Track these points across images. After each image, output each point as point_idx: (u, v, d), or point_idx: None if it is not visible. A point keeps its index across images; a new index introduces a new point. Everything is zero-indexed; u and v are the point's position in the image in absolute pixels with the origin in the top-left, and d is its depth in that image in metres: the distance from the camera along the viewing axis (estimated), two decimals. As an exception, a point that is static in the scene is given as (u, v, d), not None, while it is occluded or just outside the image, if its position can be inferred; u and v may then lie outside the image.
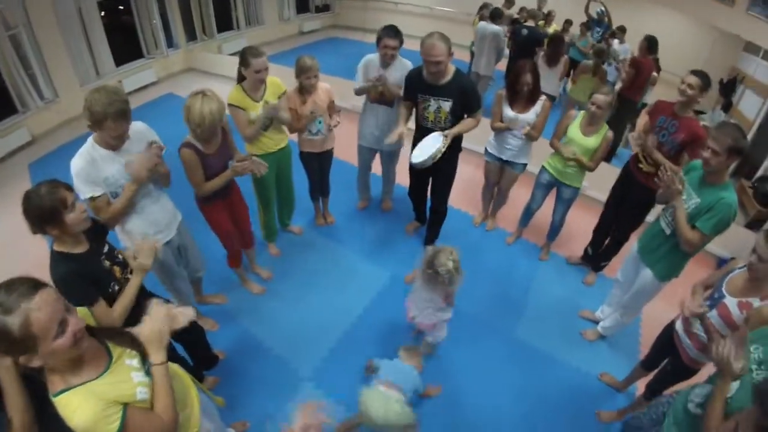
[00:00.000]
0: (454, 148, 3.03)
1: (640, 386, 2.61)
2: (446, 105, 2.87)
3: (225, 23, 8.43)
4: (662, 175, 2.32)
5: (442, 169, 2.97)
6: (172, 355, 2.11)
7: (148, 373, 1.31)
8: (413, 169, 3.06)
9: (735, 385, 1.49)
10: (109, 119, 1.84)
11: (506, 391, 2.74)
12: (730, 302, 1.87)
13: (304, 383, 2.65)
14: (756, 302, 1.78)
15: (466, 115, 2.95)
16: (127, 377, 1.25)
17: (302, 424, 1.28)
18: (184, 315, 1.44)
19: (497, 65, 5.97)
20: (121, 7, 6.73)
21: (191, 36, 7.74)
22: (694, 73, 2.71)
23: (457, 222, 4.06)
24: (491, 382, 2.78)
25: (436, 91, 2.84)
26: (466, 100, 2.88)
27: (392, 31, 3.08)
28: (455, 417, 2.56)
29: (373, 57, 3.25)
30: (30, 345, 1.03)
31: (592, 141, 3.03)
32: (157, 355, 1.32)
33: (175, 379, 1.56)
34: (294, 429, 1.26)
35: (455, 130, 2.87)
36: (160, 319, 1.36)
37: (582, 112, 3.11)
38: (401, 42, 3.13)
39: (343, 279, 3.40)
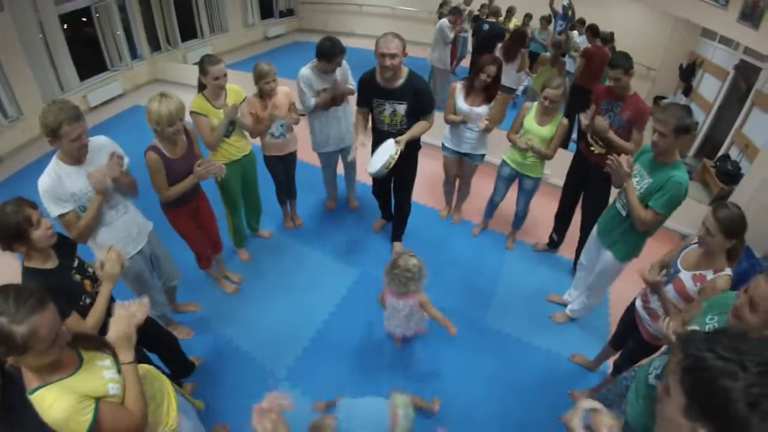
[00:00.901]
0: (413, 146, 3.05)
1: (611, 365, 2.68)
2: (401, 108, 2.87)
3: (189, 32, 8.35)
4: (608, 161, 2.40)
5: (403, 167, 3.00)
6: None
7: (120, 371, 1.39)
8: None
9: None
10: (64, 123, 1.86)
11: (479, 378, 2.79)
12: (685, 276, 1.94)
13: (281, 383, 2.68)
14: (709, 274, 1.85)
15: (420, 117, 2.94)
16: (98, 375, 1.33)
17: (264, 406, 1.31)
18: (140, 308, 1.51)
19: (462, 62, 6.07)
20: (84, 20, 6.59)
21: (155, 46, 7.65)
22: (612, 66, 2.83)
23: (423, 217, 4.13)
24: (464, 371, 2.83)
25: (391, 95, 2.84)
26: (420, 102, 2.87)
27: (338, 49, 3.01)
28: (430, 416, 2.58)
29: (307, 72, 3.16)
30: (25, 350, 1.13)
31: (547, 130, 3.10)
32: (125, 355, 1.41)
33: (150, 378, 1.64)
34: (256, 410, 1.29)
35: (407, 136, 2.84)
36: (124, 321, 1.42)
37: (536, 102, 3.17)
38: (343, 53, 3.09)
39: (314, 279, 3.44)
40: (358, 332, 3.02)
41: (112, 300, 1.89)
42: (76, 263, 1.85)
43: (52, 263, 1.72)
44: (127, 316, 1.44)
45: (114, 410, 1.30)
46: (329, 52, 2.99)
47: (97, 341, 1.42)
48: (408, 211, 3.52)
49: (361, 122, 3.05)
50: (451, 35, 5.85)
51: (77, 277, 1.82)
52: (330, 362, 2.83)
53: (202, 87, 2.85)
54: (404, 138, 2.83)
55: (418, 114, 2.92)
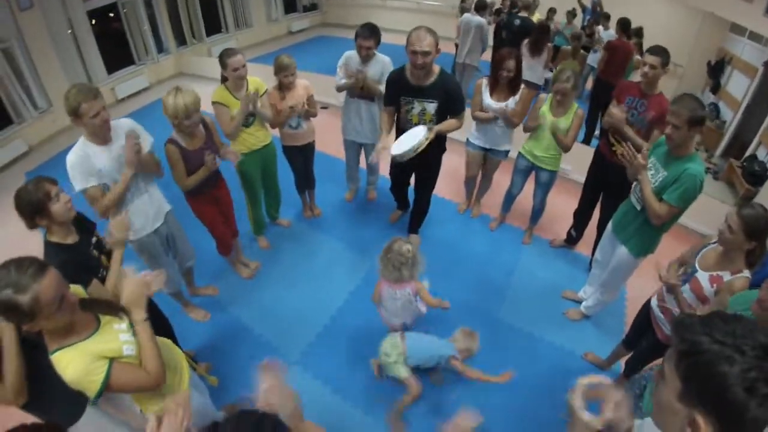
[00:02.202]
0: (438, 147, 3.02)
1: (623, 364, 2.65)
2: (431, 107, 2.84)
3: (214, 26, 8.50)
4: (623, 151, 2.37)
5: (426, 167, 3.01)
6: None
7: (135, 335, 1.47)
8: (395, 162, 3.02)
9: None
10: (83, 102, 1.97)
11: (489, 371, 2.76)
12: (702, 276, 1.92)
13: (292, 367, 2.75)
14: (726, 276, 1.83)
15: (449, 117, 2.92)
16: (114, 337, 1.42)
17: (265, 387, 1.34)
18: (157, 279, 1.59)
19: (483, 56, 6.02)
20: (111, 15, 6.79)
21: (181, 40, 7.82)
22: (652, 52, 2.76)
23: (442, 210, 4.14)
24: (475, 363, 2.81)
25: (421, 93, 2.79)
26: (450, 101, 2.83)
27: (367, 31, 3.14)
28: (440, 399, 2.62)
29: (352, 53, 3.32)
30: (34, 316, 1.20)
31: (563, 121, 3.08)
32: (137, 314, 1.48)
33: (166, 348, 1.71)
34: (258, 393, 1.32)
35: (440, 126, 2.82)
36: (135, 282, 1.50)
37: (550, 94, 3.15)
38: (378, 41, 3.20)
39: (329, 268, 3.50)
40: (371, 321, 3.02)
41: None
42: (94, 240, 1.96)
43: (72, 238, 1.84)
44: (139, 280, 1.51)
45: (127, 369, 1.39)
46: (363, 29, 3.14)
47: (112, 305, 1.50)
48: (427, 209, 3.55)
49: (387, 122, 3.00)
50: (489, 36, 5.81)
51: (95, 252, 1.93)
52: (342, 349, 2.88)
53: (224, 80, 2.95)
54: (438, 127, 2.80)
55: (447, 113, 2.89)
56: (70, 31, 5.91)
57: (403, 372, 2.44)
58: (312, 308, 3.14)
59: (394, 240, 2.43)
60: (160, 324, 2.41)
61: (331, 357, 2.83)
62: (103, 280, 1.86)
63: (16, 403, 1.52)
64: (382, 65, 3.27)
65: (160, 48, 7.41)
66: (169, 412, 1.17)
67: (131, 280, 1.50)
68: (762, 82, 5.61)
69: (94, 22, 6.30)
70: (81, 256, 1.84)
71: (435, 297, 2.53)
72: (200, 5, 7.87)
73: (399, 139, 2.88)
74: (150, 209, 2.44)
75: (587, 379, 1.17)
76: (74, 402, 1.64)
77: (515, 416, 2.57)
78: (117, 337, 1.42)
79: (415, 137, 2.72)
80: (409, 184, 3.49)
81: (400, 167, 3.20)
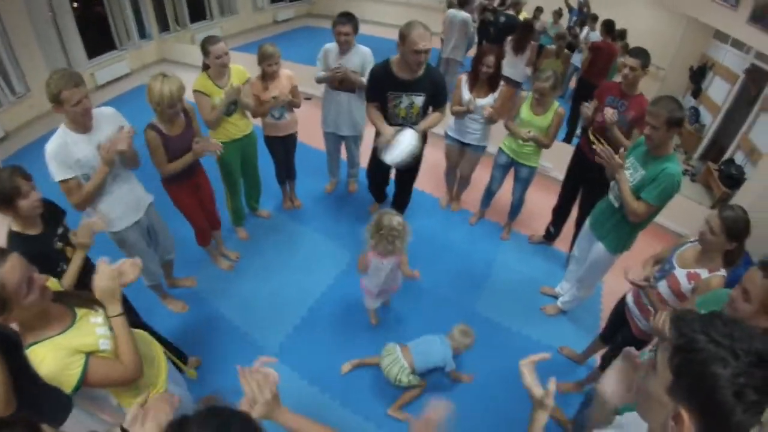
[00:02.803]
0: (422, 140, 3.02)
1: (598, 359, 2.70)
2: (419, 100, 2.85)
3: (198, 13, 8.34)
4: (600, 151, 2.40)
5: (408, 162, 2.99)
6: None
7: (112, 328, 1.44)
8: (376, 159, 3.08)
9: None
10: (64, 89, 1.93)
11: (466, 365, 2.81)
12: (680, 273, 1.95)
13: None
14: (704, 273, 1.86)
15: (431, 109, 2.94)
16: (90, 331, 1.39)
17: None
18: (133, 267, 1.54)
19: (469, 52, 6.05)
20: (94, -1, 6.63)
21: (164, 26, 7.65)
22: (633, 54, 2.82)
23: (423, 204, 4.17)
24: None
25: (409, 87, 2.79)
26: (437, 93, 2.87)
27: (344, 18, 3.13)
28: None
29: (331, 45, 3.30)
30: (5, 304, 1.18)
31: (544, 119, 3.12)
32: (112, 308, 1.44)
33: (142, 340, 1.69)
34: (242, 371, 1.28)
35: (424, 126, 2.84)
36: (107, 276, 1.45)
37: (530, 93, 3.18)
38: (356, 28, 3.18)
39: (308, 259, 3.49)
40: (349, 312, 3.06)
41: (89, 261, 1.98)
42: (60, 230, 1.93)
43: (35, 230, 1.82)
44: (110, 273, 1.46)
45: (104, 364, 1.37)
46: (340, 16, 3.13)
47: (88, 298, 1.47)
48: (408, 200, 3.56)
49: (379, 117, 2.92)
50: (473, 29, 5.82)
51: (59, 244, 1.90)
52: (320, 340, 2.89)
53: (206, 67, 2.91)
54: (422, 128, 2.82)
55: (431, 106, 2.91)
56: (50, 14, 5.73)
57: (413, 380, 2.46)
58: (290, 300, 3.13)
59: (382, 214, 2.45)
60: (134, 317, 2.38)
61: (308, 349, 2.83)
62: (61, 274, 1.84)
63: (4, 414, 1.46)
64: (362, 56, 3.26)
65: (143, 33, 7.24)
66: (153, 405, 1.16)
67: (103, 273, 1.45)
68: (742, 88, 5.74)
69: (75, 5, 6.13)
70: (42, 247, 1.82)
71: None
72: (185, -9, 7.73)
73: (392, 144, 2.85)
74: (131, 200, 2.40)
75: (531, 358, 1.23)
76: (60, 404, 1.60)
77: (491, 410, 2.59)
78: (93, 330, 1.40)
79: (410, 144, 2.73)
80: (389, 180, 3.48)
81: (381, 164, 3.17)
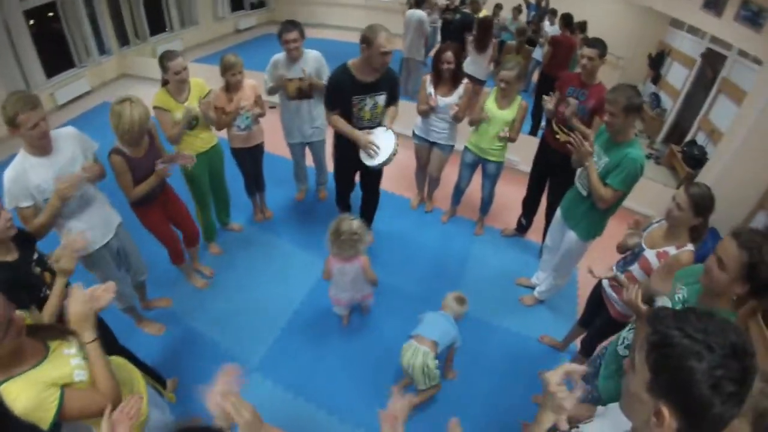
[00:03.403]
0: None
1: (578, 344, 2.74)
2: (381, 99, 2.87)
3: (158, 25, 8.15)
4: (570, 139, 2.46)
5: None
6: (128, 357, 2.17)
7: (86, 357, 1.40)
8: (343, 163, 3.14)
9: None
10: (20, 113, 1.88)
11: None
12: (649, 254, 2.00)
13: (253, 374, 2.70)
14: (672, 251, 1.91)
15: (389, 105, 2.97)
16: (64, 363, 1.34)
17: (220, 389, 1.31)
18: (106, 291, 1.50)
19: (430, 53, 6.14)
20: (51, 14, 6.37)
21: (124, 40, 7.46)
22: (590, 44, 2.89)
23: (394, 206, 4.17)
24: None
25: (372, 88, 2.80)
26: (395, 89, 2.92)
27: (289, 24, 3.11)
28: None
29: (280, 56, 3.26)
30: None
31: (508, 113, 3.16)
32: (85, 335, 1.40)
33: (119, 368, 1.64)
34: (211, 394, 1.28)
35: (389, 123, 2.89)
36: (80, 301, 1.41)
37: (495, 87, 3.22)
38: (302, 34, 3.16)
39: (284, 270, 3.46)
40: (328, 319, 3.04)
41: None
42: (36, 256, 1.85)
43: (12, 256, 1.73)
44: (83, 297, 1.43)
45: (81, 395, 1.33)
46: (283, 24, 3.12)
47: (60, 329, 1.42)
48: (378, 201, 3.54)
49: (345, 123, 2.87)
50: (429, 28, 5.90)
51: (37, 269, 1.83)
52: (301, 350, 2.87)
53: (165, 82, 2.86)
54: (388, 124, 2.88)
55: (388, 103, 2.95)
56: (5, 32, 5.51)
57: (436, 372, 2.41)
58: (268, 312, 3.09)
59: (340, 220, 2.47)
60: (111, 342, 2.29)
61: (290, 360, 2.80)
62: (44, 300, 1.76)
63: None
64: (315, 61, 3.24)
65: (102, 49, 7.04)
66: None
67: (76, 298, 1.41)
68: (699, 72, 5.94)
69: (32, 22, 5.91)
70: (22, 274, 1.74)
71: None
72: (143, 3, 7.52)
73: (361, 152, 2.87)
74: (99, 221, 2.34)
75: (568, 367, 1.19)
76: None
77: (476, 402, 2.62)
78: (67, 362, 1.35)
79: (388, 145, 2.78)
80: (354, 183, 3.45)
81: (348, 167, 3.21)
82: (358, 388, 2.65)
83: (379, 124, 2.90)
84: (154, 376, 2.30)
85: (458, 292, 2.60)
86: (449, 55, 3.18)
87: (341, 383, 2.68)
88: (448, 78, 3.26)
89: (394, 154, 2.75)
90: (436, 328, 2.45)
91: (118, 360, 1.71)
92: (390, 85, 2.87)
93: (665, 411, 0.77)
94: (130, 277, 2.69)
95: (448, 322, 2.50)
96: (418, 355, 2.36)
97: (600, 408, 1.27)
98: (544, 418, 1.16)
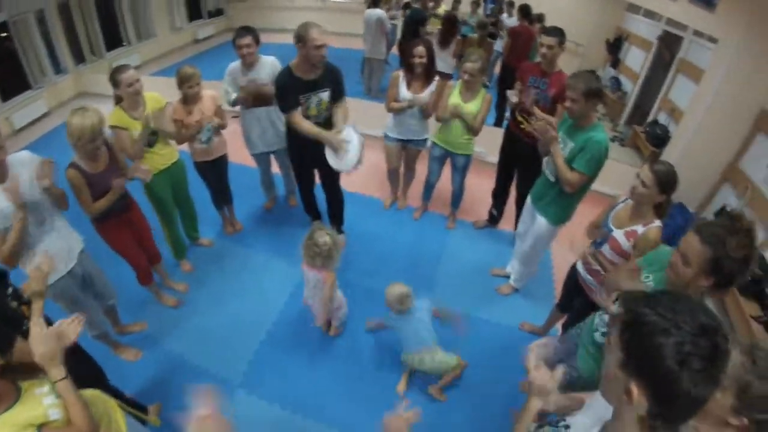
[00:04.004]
0: None
1: (559, 328, 2.79)
2: (325, 95, 2.89)
3: (114, 40, 7.93)
4: (535, 125, 2.48)
5: (326, 157, 3.00)
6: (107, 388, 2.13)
7: (59, 395, 1.35)
8: (299, 164, 3.16)
9: None
10: None
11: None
12: (618, 234, 2.04)
13: (237, 391, 2.65)
14: (640, 229, 1.95)
15: (335, 103, 2.98)
16: (37, 403, 1.30)
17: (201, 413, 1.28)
18: (73, 325, 1.46)
19: (393, 49, 6.16)
20: (3, 35, 6.12)
21: (80, 58, 7.25)
22: (548, 33, 2.93)
23: (365, 207, 4.15)
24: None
25: (315, 86, 2.82)
26: (339, 84, 2.94)
27: (243, 30, 3.09)
28: (384, 394, 2.63)
29: (235, 64, 3.23)
30: None
31: (473, 105, 3.17)
32: (54, 373, 1.35)
33: (94, 401, 1.58)
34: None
35: (344, 121, 2.92)
36: (43, 340, 1.37)
37: (459, 81, 3.24)
38: (256, 39, 3.13)
39: (259, 282, 3.40)
40: (308, 327, 3.00)
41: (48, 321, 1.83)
42: (10, 290, 1.77)
43: None
44: (48, 334, 1.38)
45: None
46: (237, 30, 3.11)
47: (30, 368, 1.37)
48: (342, 199, 3.52)
49: (309, 124, 2.87)
50: (389, 25, 5.92)
51: (14, 303, 1.75)
52: (284, 361, 2.82)
53: (119, 100, 2.77)
54: (341, 123, 2.91)
55: (333, 99, 2.97)
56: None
57: (447, 359, 2.55)
58: (247, 326, 3.03)
59: (316, 227, 2.51)
60: (89, 372, 2.21)
61: (274, 373, 2.75)
62: (27, 333, 1.66)
63: None
64: (271, 67, 3.21)
65: (58, 68, 6.82)
66: None
67: (39, 337, 1.36)
68: (657, 54, 6.10)
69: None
70: (1, 311, 1.66)
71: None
72: (98, 18, 7.31)
73: (329, 152, 2.88)
74: (62, 248, 2.24)
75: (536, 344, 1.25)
76: None
77: (466, 397, 2.63)
78: (40, 402, 1.31)
79: (358, 142, 2.82)
80: (314, 183, 3.44)
81: (306, 168, 3.24)
82: (345, 394, 2.63)
83: (326, 120, 2.93)
84: (134, 405, 2.23)
85: (396, 290, 2.50)
86: (421, 49, 3.17)
87: (326, 391, 2.65)
88: (420, 73, 3.25)
89: (362, 153, 2.77)
90: (420, 334, 2.50)
91: (93, 393, 1.66)
92: (333, 81, 2.89)
93: (634, 388, 0.78)
94: (98, 303, 2.59)
95: (422, 321, 2.54)
96: (435, 357, 2.51)
97: (587, 399, 1.29)
98: (531, 404, 1.20)
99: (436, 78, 3.34)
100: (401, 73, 3.36)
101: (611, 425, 0.93)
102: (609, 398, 0.92)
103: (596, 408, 1.11)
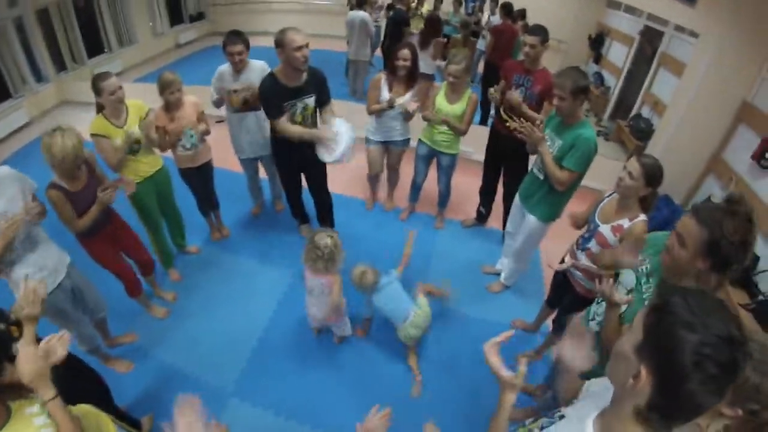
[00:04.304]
0: None
1: (550, 324, 2.81)
2: (311, 101, 2.88)
3: (95, 47, 7.82)
4: (520, 127, 2.49)
5: (312, 162, 2.99)
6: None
7: (50, 415, 1.33)
8: (286, 169, 3.16)
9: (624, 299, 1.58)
10: None
11: (424, 359, 2.84)
12: (604, 229, 2.05)
13: (230, 399, 2.62)
14: (626, 223, 1.96)
15: (321, 107, 2.97)
16: (28, 424, 1.28)
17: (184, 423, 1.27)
18: (61, 341, 1.45)
19: (377, 51, 6.17)
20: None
21: (61, 66, 7.14)
22: (531, 32, 2.93)
23: (350, 208, 4.14)
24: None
25: (300, 92, 2.81)
26: (324, 90, 2.92)
27: (233, 37, 3.05)
28: (379, 397, 2.59)
29: (225, 67, 3.20)
30: None
31: (458, 107, 3.18)
32: (44, 393, 1.33)
33: (86, 417, 1.57)
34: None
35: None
36: (31, 358, 1.34)
37: (444, 82, 3.24)
38: (247, 45, 3.10)
39: (248, 287, 3.36)
40: (299, 332, 3.00)
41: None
42: None
43: None
44: (34, 354, 1.36)
45: None
46: (228, 36, 3.06)
47: (18, 387, 1.34)
48: (330, 200, 3.50)
49: (296, 127, 2.88)
50: (373, 27, 5.92)
51: (1, 325, 1.68)
52: (276, 367, 2.80)
53: (100, 108, 2.73)
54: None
55: (319, 105, 2.96)
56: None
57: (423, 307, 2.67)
58: (238, 333, 3.00)
59: (318, 231, 2.50)
60: (87, 385, 2.16)
61: (267, 379, 2.73)
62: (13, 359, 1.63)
63: None
64: (260, 71, 3.17)
65: (39, 77, 6.70)
66: None
67: (27, 356, 1.34)
68: (638, 49, 6.17)
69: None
70: None
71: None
72: (78, 24, 7.21)
73: (320, 148, 2.86)
74: (47, 262, 2.20)
75: (494, 340, 1.26)
76: None
77: (459, 397, 2.64)
78: (31, 423, 1.29)
79: (348, 132, 2.81)
80: (301, 186, 3.43)
81: (293, 172, 3.23)
82: (339, 398, 2.62)
83: (314, 125, 2.94)
84: (128, 419, 2.22)
85: (355, 271, 2.63)
86: (406, 52, 3.16)
87: (320, 396, 2.64)
88: (403, 76, 3.25)
89: (353, 142, 2.79)
90: (401, 303, 2.62)
91: (86, 409, 1.63)
92: (317, 86, 2.88)
93: (644, 373, 0.77)
94: (89, 317, 2.54)
95: (397, 291, 2.65)
96: (416, 321, 2.59)
97: (585, 385, 1.28)
98: (504, 398, 1.22)
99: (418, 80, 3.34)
100: (383, 76, 3.35)
101: (608, 411, 0.92)
102: (614, 379, 0.90)
103: (592, 397, 1.11)
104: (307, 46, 2.63)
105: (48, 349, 1.39)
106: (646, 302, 1.49)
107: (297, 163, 3.04)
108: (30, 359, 1.33)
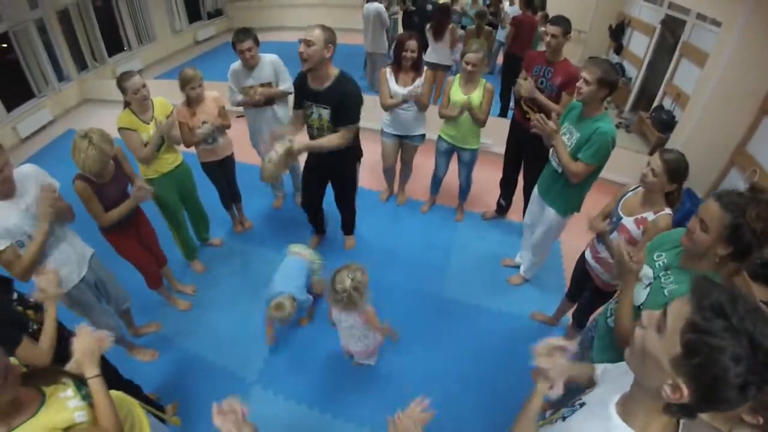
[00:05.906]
0: (349, 153, 2.90)
1: (570, 317, 2.78)
2: (325, 113, 2.67)
3: (115, 45, 7.98)
4: (534, 121, 2.46)
5: (340, 179, 2.99)
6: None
7: (84, 398, 1.37)
8: (306, 179, 3.15)
9: (644, 292, 1.58)
10: None
11: (443, 351, 2.84)
12: (628, 221, 2.02)
13: (253, 387, 2.67)
14: (650, 216, 1.93)
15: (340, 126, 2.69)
16: (62, 407, 1.31)
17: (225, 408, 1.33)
18: (108, 336, 1.52)
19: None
20: (4, 45, 6.16)
21: (82, 65, 7.30)
22: (553, 22, 2.89)
23: (365, 201, 4.09)
24: (427, 346, 2.88)
25: (317, 97, 2.66)
26: (341, 109, 2.61)
27: (241, 35, 3.06)
28: (399, 388, 2.65)
29: (237, 65, 3.23)
30: None
31: (475, 96, 3.16)
32: (89, 370, 1.41)
33: (119, 403, 1.60)
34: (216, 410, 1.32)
35: (307, 144, 2.73)
36: (89, 338, 1.44)
37: (458, 74, 3.23)
38: (256, 41, 3.11)
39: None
40: (318, 323, 3.03)
41: (65, 330, 1.89)
42: (15, 296, 1.82)
43: None
44: (93, 336, 1.46)
45: None
46: (236, 34, 3.07)
47: (54, 372, 1.41)
48: (354, 214, 3.51)
49: (296, 122, 2.88)
50: (388, 19, 5.90)
51: (19, 308, 1.80)
52: (297, 356, 2.84)
53: (127, 104, 2.80)
54: (302, 143, 2.67)
55: (335, 123, 2.67)
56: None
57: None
58: (260, 324, 3.02)
59: (340, 269, 2.28)
60: (110, 375, 2.24)
61: (288, 369, 2.77)
62: (34, 334, 1.72)
63: None
64: (271, 65, 3.19)
65: (61, 76, 6.86)
66: None
67: (85, 335, 1.44)
68: (660, 39, 6.04)
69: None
70: (5, 313, 1.70)
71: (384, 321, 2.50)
72: (98, 24, 7.36)
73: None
74: (73, 257, 2.27)
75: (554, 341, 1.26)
76: None
77: (476, 387, 2.64)
78: (65, 405, 1.32)
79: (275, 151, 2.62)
80: (322, 202, 3.38)
81: (313, 184, 3.18)
82: (359, 388, 2.65)
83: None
84: (154, 405, 2.27)
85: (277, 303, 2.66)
86: (413, 43, 3.16)
87: (342, 384, 2.67)
88: (409, 67, 3.24)
89: (270, 161, 2.59)
90: (290, 280, 2.74)
91: (119, 395, 1.69)
92: (336, 101, 2.59)
93: (684, 389, 0.76)
94: (113, 308, 2.62)
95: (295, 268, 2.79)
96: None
97: (599, 367, 1.27)
98: (538, 388, 1.22)
99: (425, 68, 3.32)
100: (387, 69, 3.35)
101: (631, 399, 0.92)
102: (639, 371, 0.89)
103: (612, 382, 1.10)
104: (307, 43, 2.43)
105: (99, 337, 1.48)
106: (666, 292, 1.48)
107: (318, 170, 3.00)
108: (87, 339, 1.43)
